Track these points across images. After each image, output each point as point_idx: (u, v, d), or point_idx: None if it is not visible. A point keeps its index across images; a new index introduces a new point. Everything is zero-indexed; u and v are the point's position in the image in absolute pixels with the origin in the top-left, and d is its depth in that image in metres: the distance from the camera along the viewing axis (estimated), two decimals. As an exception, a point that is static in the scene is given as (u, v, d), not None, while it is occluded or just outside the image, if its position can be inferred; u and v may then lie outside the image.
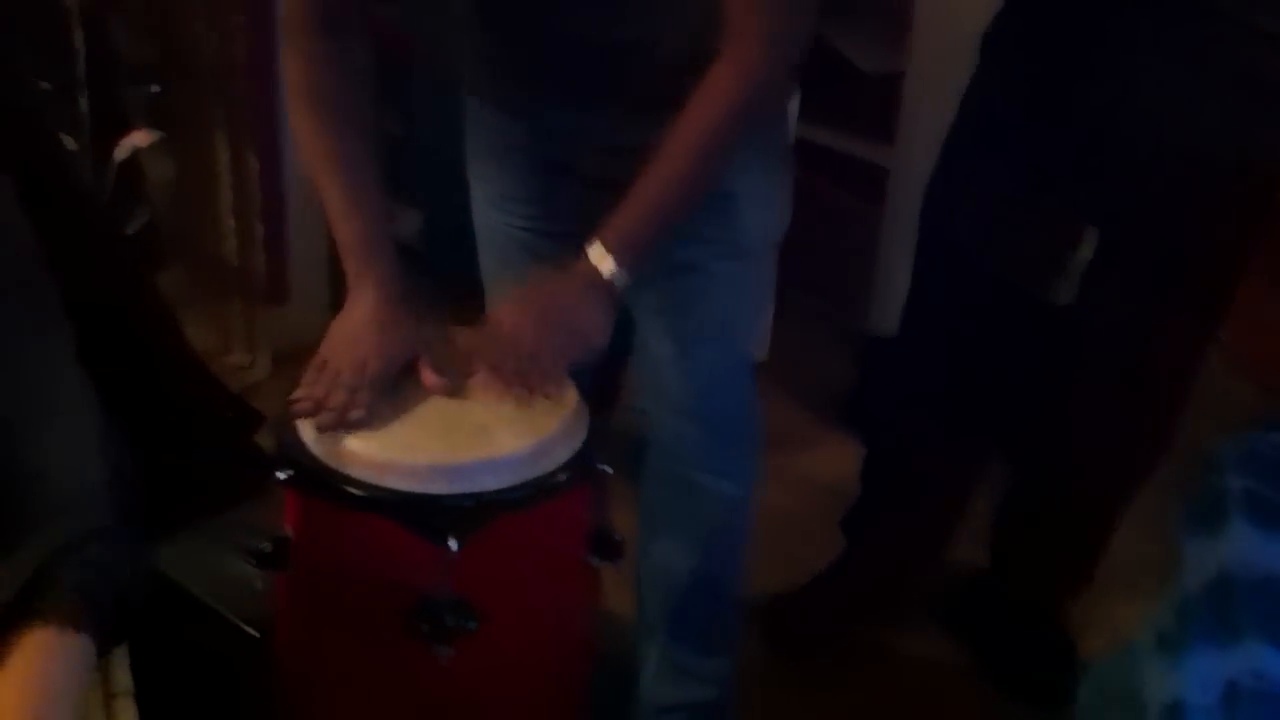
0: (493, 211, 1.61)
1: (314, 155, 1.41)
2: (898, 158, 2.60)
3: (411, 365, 1.38)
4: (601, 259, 1.35)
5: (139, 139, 2.34)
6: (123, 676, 1.17)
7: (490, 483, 1.28)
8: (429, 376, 1.36)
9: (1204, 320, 1.74)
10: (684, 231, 1.42)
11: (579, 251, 1.38)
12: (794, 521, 2.17)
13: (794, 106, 1.69)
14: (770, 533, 1.77)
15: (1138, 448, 1.86)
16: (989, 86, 1.72)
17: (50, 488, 1.07)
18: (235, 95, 2.31)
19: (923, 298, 1.88)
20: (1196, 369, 1.80)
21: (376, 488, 1.27)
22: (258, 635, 1.57)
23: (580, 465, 1.33)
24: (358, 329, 1.37)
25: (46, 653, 1.00)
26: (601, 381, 1.44)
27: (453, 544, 1.24)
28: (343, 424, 1.30)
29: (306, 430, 1.33)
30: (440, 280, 2.21)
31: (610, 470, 1.36)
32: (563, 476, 1.31)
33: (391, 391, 1.36)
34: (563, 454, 1.33)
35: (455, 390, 1.37)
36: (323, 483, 1.29)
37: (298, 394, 1.35)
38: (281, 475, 1.31)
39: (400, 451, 1.28)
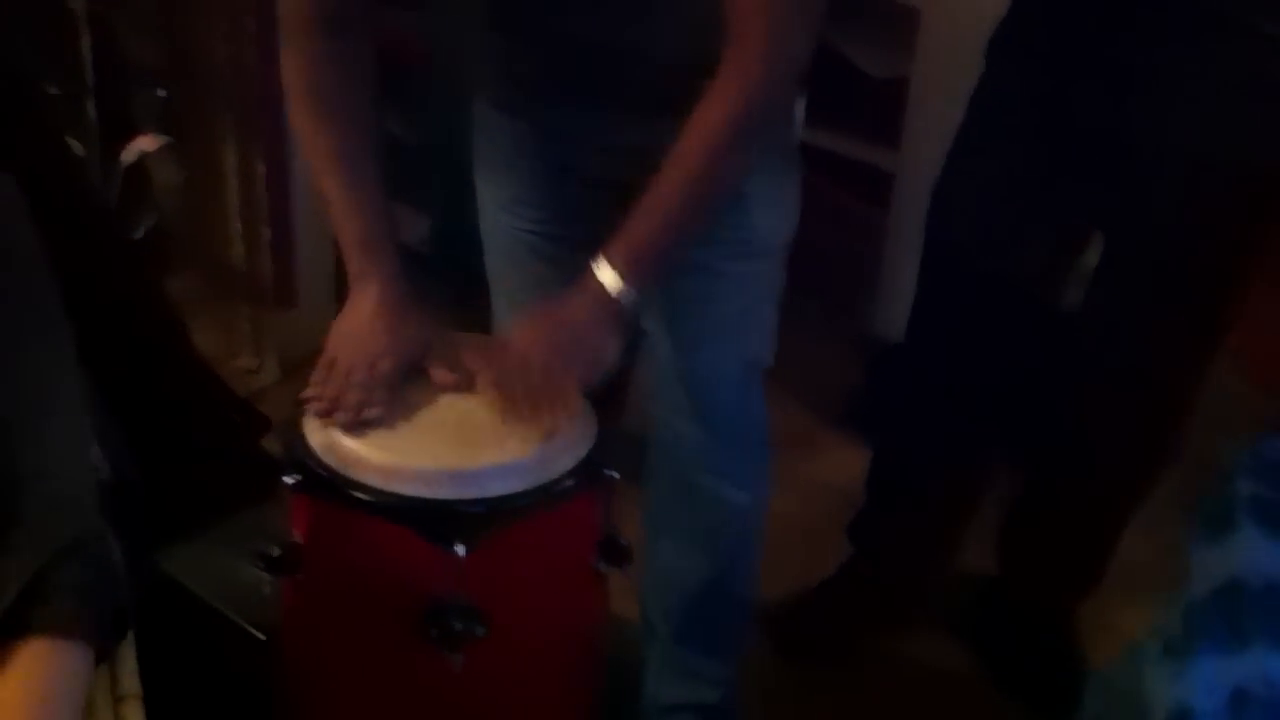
0: (501, 215, 1.61)
1: (315, 154, 1.41)
2: (903, 162, 2.60)
3: (418, 366, 1.39)
4: (609, 278, 1.35)
5: (146, 144, 2.34)
6: (130, 680, 1.17)
7: (499, 488, 1.28)
8: (442, 375, 1.37)
9: (1211, 325, 1.73)
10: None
11: (587, 255, 1.38)
12: (800, 526, 2.17)
13: (800, 109, 1.69)
14: (776, 537, 1.77)
15: (1144, 453, 1.85)
16: (995, 91, 1.71)
17: (49, 488, 1.07)
18: (243, 100, 2.31)
19: (929, 302, 1.88)
20: (1203, 374, 1.80)
21: (384, 493, 1.27)
22: (265, 639, 1.57)
23: (588, 470, 1.33)
24: (365, 325, 1.37)
25: (46, 661, 1.00)
26: (608, 385, 1.44)
27: (460, 549, 1.24)
28: (359, 423, 1.31)
29: (314, 434, 1.33)
30: (447, 285, 2.21)
31: (618, 476, 1.36)
32: (571, 482, 1.31)
33: (398, 394, 1.36)
34: (570, 459, 1.33)
35: (463, 393, 1.37)
36: (331, 487, 1.29)
37: (309, 393, 1.35)
38: (289, 480, 1.31)
39: (408, 456, 1.28)
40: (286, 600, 1.40)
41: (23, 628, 1.01)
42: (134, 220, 2.35)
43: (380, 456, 1.28)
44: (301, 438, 1.33)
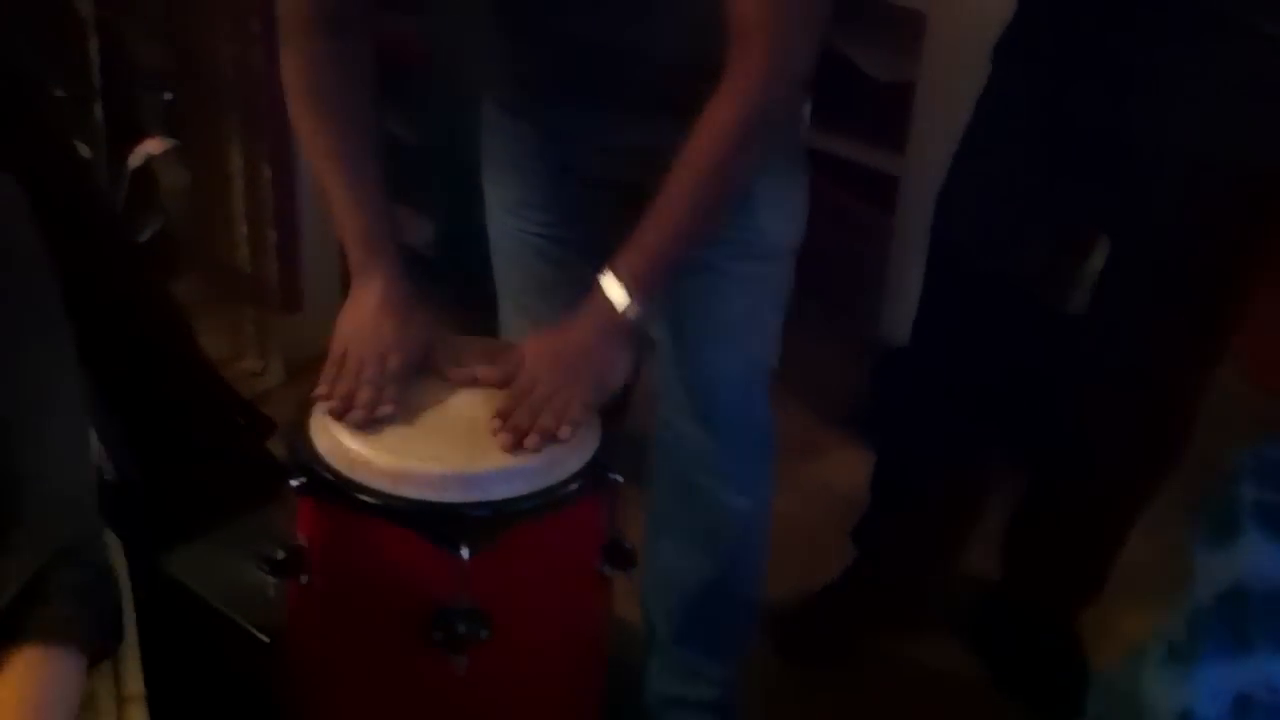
0: (508, 218, 1.62)
1: (315, 153, 1.42)
2: (909, 166, 2.60)
3: (422, 367, 1.39)
4: (617, 295, 1.35)
5: (153, 147, 2.35)
6: (135, 681, 1.17)
7: (503, 491, 1.28)
8: (462, 374, 1.37)
9: (1210, 325, 1.73)
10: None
11: (592, 259, 1.38)
12: (804, 530, 2.17)
13: (806, 112, 1.69)
14: (779, 540, 1.77)
15: (1146, 454, 1.85)
16: (1001, 95, 1.72)
17: (49, 488, 1.08)
18: (248, 103, 2.32)
19: (934, 306, 1.88)
20: (1205, 376, 1.80)
21: (390, 496, 1.27)
22: (269, 642, 1.57)
23: (593, 474, 1.33)
24: (371, 321, 1.38)
25: (40, 668, 1.01)
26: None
27: (465, 552, 1.24)
28: (372, 421, 1.31)
29: (319, 437, 1.33)
30: (452, 288, 2.22)
31: (622, 479, 1.36)
32: (575, 485, 1.31)
33: (408, 393, 1.36)
34: (575, 463, 1.33)
35: (468, 396, 1.37)
36: (336, 490, 1.29)
37: (320, 390, 1.35)
38: (294, 482, 1.31)
39: (413, 459, 1.28)
40: (291, 603, 1.40)
41: (21, 628, 1.01)
42: (140, 223, 2.35)
43: (385, 459, 1.28)
44: (307, 440, 1.34)
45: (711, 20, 1.30)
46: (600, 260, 1.37)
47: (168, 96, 2.38)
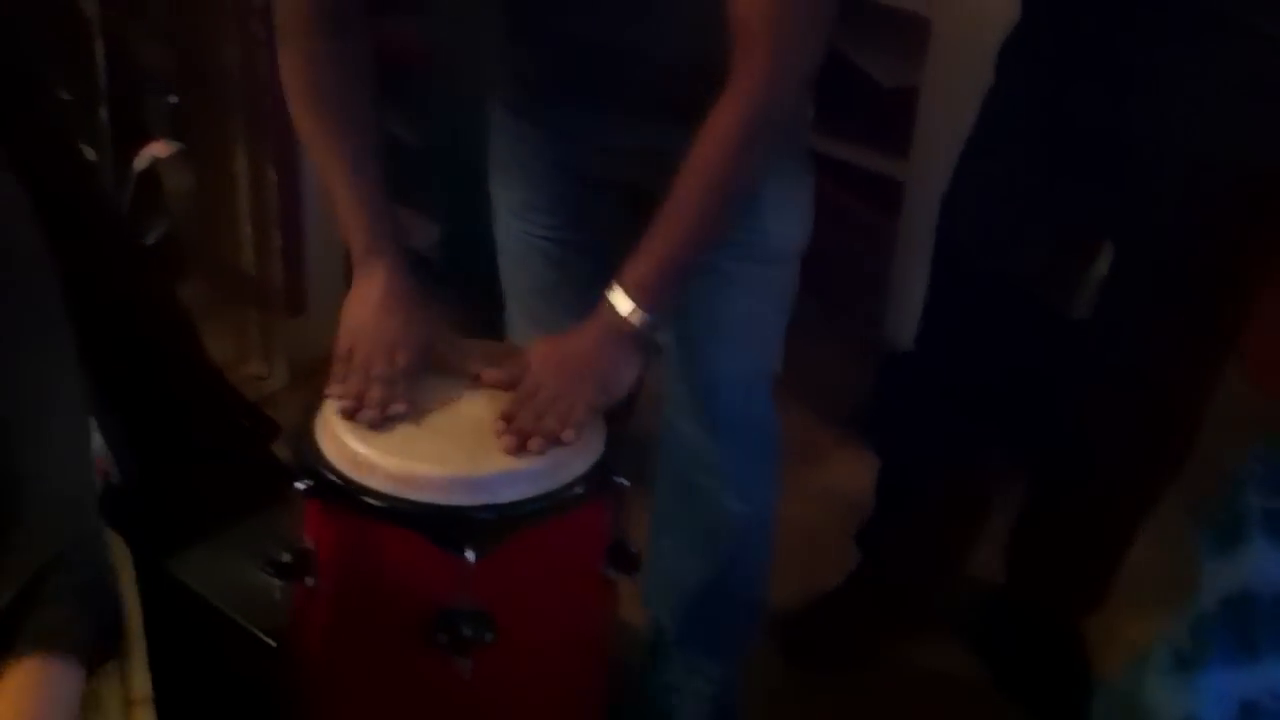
0: (515, 221, 1.62)
1: (316, 150, 1.43)
2: (912, 171, 2.60)
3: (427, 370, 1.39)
4: (624, 304, 1.35)
5: (158, 150, 2.34)
6: (142, 683, 1.17)
7: (509, 494, 1.28)
8: (492, 374, 1.38)
9: (1211, 326, 1.73)
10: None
11: (598, 263, 1.38)
12: (807, 533, 2.17)
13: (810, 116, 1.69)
14: (784, 544, 1.77)
15: (1153, 461, 1.85)
16: (1006, 100, 1.72)
17: (49, 488, 1.08)
18: (254, 106, 2.32)
19: (938, 311, 1.88)
20: (1207, 378, 1.79)
21: (395, 498, 1.27)
22: (275, 645, 1.57)
23: (598, 477, 1.34)
24: (376, 314, 1.38)
25: (38, 676, 1.01)
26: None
27: (470, 555, 1.24)
28: (385, 419, 1.31)
29: (325, 440, 1.34)
30: (457, 291, 2.22)
31: (627, 483, 1.37)
32: (581, 489, 1.32)
33: (419, 389, 1.36)
34: (581, 466, 1.33)
35: (474, 399, 1.38)
36: (342, 493, 1.29)
37: (331, 389, 1.35)
38: (301, 485, 1.31)
39: (419, 462, 1.28)
40: (297, 605, 1.40)
41: (19, 632, 1.01)
42: (146, 226, 2.35)
43: (391, 462, 1.29)
44: (312, 443, 1.34)
45: (712, 22, 1.30)
46: (607, 263, 1.37)
47: (173, 99, 2.38)
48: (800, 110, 1.50)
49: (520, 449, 1.30)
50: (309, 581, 1.34)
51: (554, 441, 1.31)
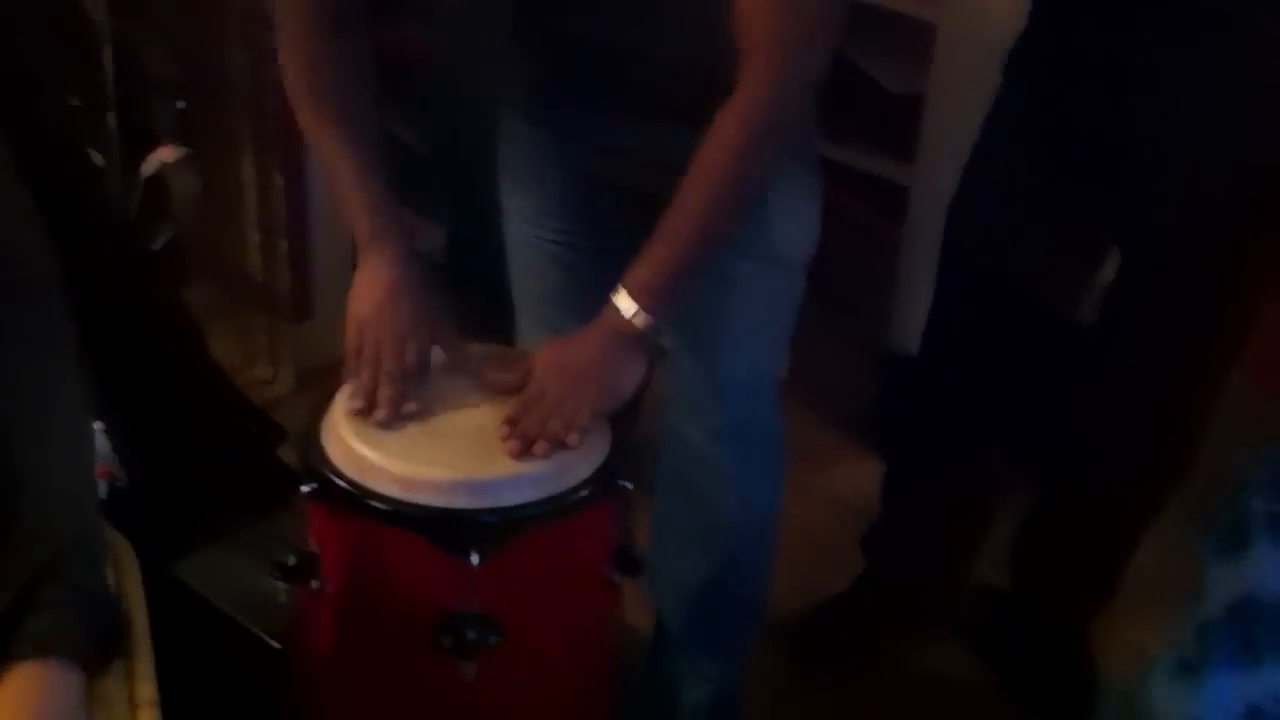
0: (526, 226, 1.62)
1: (317, 141, 1.43)
2: (918, 176, 2.60)
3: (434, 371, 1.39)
4: (629, 308, 1.35)
5: (166, 155, 2.35)
6: (148, 687, 1.17)
7: (513, 498, 1.28)
8: (501, 378, 1.38)
9: (1211, 326, 1.73)
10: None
11: (605, 267, 1.38)
12: (814, 538, 2.17)
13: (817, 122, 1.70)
14: (789, 549, 1.77)
15: (1157, 464, 1.85)
16: (1012, 106, 1.72)
17: (49, 488, 1.08)
18: (261, 112, 2.33)
19: (944, 315, 1.88)
20: (1218, 387, 1.79)
21: (400, 502, 1.28)
22: (279, 647, 1.58)
23: (603, 481, 1.34)
24: (385, 301, 1.38)
25: (40, 682, 1.01)
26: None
27: (474, 558, 1.24)
28: (397, 418, 1.32)
29: (331, 443, 1.34)
30: (462, 294, 2.22)
31: (631, 486, 1.37)
32: (585, 492, 1.32)
33: (430, 384, 1.37)
34: (585, 469, 1.33)
35: (479, 402, 1.38)
36: (347, 496, 1.30)
37: (345, 386, 1.36)
38: (306, 488, 1.32)
39: (424, 466, 1.29)
40: (302, 609, 1.40)
41: (18, 635, 1.01)
42: (153, 231, 2.36)
43: (396, 465, 1.29)
44: (318, 446, 1.34)
45: (714, 26, 1.29)
46: (618, 267, 1.37)
47: (180, 105, 2.39)
48: (808, 116, 1.50)
49: (525, 453, 1.31)
50: (314, 584, 1.35)
51: (558, 445, 1.31)
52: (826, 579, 2.09)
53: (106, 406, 1.47)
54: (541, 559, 1.32)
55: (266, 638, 1.60)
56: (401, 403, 1.34)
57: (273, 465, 1.92)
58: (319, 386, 1.42)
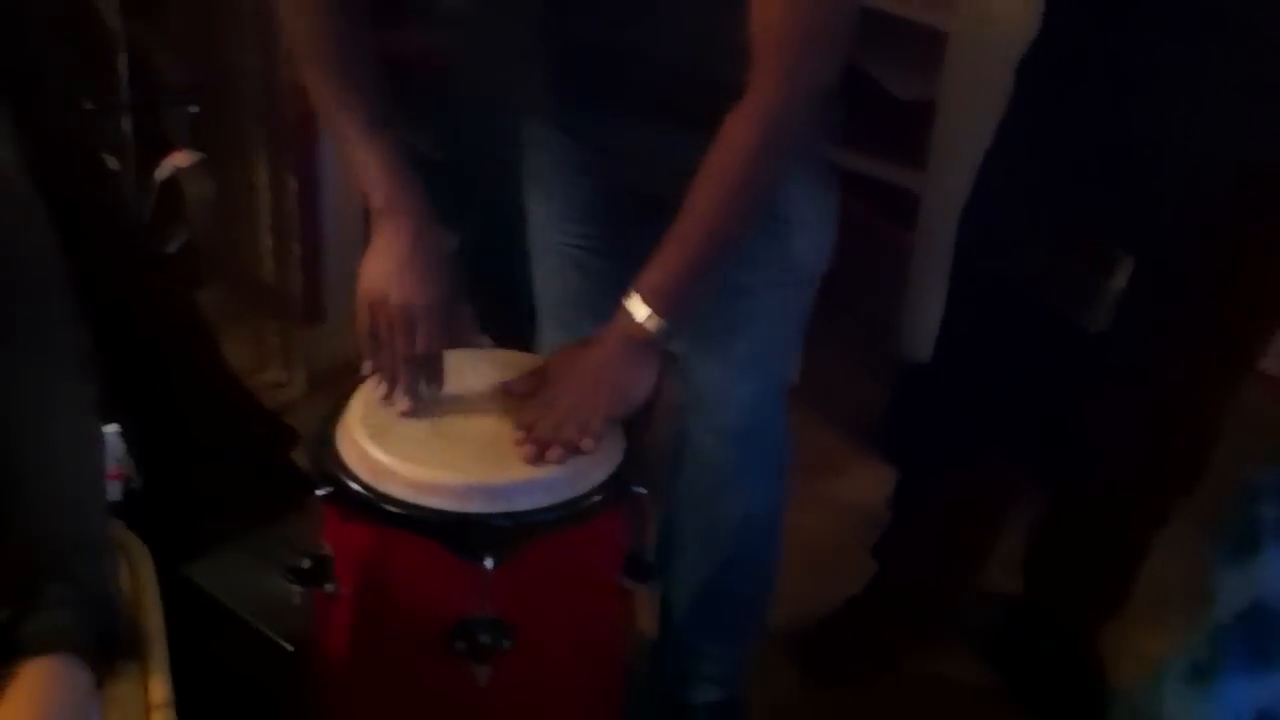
0: (549, 231, 1.62)
1: (328, 113, 1.40)
2: (929, 183, 2.61)
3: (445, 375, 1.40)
4: (641, 311, 1.35)
5: (179, 159, 2.36)
6: (162, 689, 1.17)
7: (527, 503, 1.29)
8: (519, 384, 1.40)
9: (1212, 326, 1.73)
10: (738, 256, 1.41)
11: (622, 271, 1.39)
12: (825, 546, 2.17)
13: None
14: (800, 556, 1.77)
15: (1171, 474, 1.85)
16: (1024, 114, 1.72)
17: (49, 488, 1.07)
18: (274, 116, 2.34)
19: (956, 323, 1.88)
20: (1227, 392, 1.79)
21: (414, 506, 1.28)
22: (293, 650, 1.58)
23: (616, 487, 1.34)
24: (399, 267, 1.36)
25: (46, 680, 1.00)
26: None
27: (488, 563, 1.25)
28: (419, 403, 1.35)
29: (345, 447, 1.35)
30: (478, 298, 2.22)
31: (645, 492, 1.37)
32: (599, 498, 1.32)
33: (427, 403, 1.37)
34: (599, 475, 1.34)
35: (493, 407, 1.39)
36: (361, 500, 1.30)
37: (365, 369, 1.38)
38: (320, 492, 1.32)
39: (438, 470, 1.29)
40: (316, 612, 1.41)
41: (18, 636, 1.01)
42: (167, 235, 2.37)
43: (410, 470, 1.29)
44: (332, 450, 1.35)
45: (718, 30, 1.30)
46: (634, 271, 1.38)
47: (194, 110, 2.40)
48: (824, 127, 1.49)
49: (539, 458, 1.31)
50: (328, 588, 1.35)
51: (573, 450, 1.32)
52: (837, 586, 2.08)
53: (120, 408, 1.48)
54: (555, 564, 1.32)
55: (280, 640, 1.61)
56: (420, 384, 1.35)
57: (286, 468, 1.93)
58: (331, 390, 1.42)
